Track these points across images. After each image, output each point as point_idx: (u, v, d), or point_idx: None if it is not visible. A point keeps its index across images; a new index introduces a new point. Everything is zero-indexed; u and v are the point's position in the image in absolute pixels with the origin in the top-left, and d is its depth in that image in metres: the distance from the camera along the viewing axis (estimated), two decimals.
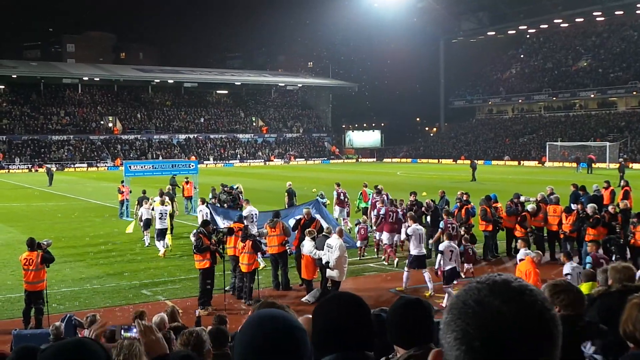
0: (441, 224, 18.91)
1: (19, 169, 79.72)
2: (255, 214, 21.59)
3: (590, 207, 18.92)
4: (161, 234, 22.50)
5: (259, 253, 16.53)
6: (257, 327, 2.16)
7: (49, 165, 62.64)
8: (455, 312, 1.46)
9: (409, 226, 17.89)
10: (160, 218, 22.63)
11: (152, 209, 23.78)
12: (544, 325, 1.41)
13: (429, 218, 21.18)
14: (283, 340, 2.12)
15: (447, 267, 15.62)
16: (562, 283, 4.88)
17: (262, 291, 16.47)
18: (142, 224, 24.19)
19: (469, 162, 60.47)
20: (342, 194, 26.14)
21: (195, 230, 16.39)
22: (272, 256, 17.42)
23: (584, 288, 8.29)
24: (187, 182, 33.55)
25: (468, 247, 18.80)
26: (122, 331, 2.96)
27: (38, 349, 5.22)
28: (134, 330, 2.99)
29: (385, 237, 20.35)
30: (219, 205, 24.81)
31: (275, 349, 2.10)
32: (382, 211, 20.86)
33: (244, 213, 21.29)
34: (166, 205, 23.79)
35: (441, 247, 16.04)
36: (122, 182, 32.16)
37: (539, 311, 1.42)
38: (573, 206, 20.35)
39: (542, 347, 1.40)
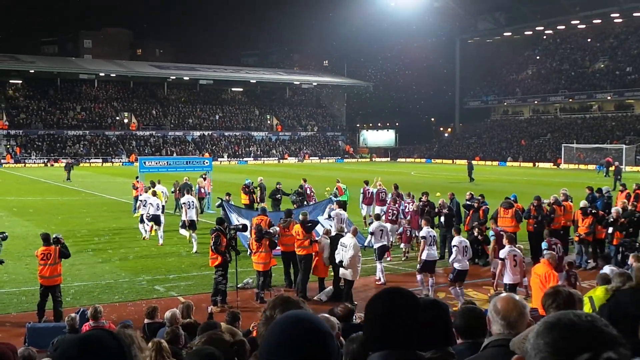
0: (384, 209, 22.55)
1: (35, 163, 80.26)
2: (193, 202, 24.11)
3: (614, 211, 18.83)
4: (143, 219, 24.44)
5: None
6: (284, 329, 2.14)
7: (71, 161, 62.58)
8: (549, 325, 1.83)
9: (333, 209, 21.27)
10: (144, 205, 24.34)
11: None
12: (613, 342, 1.78)
13: (442, 218, 21.14)
14: (310, 343, 2.10)
15: (377, 245, 17.86)
16: (553, 291, 4.86)
17: (275, 289, 16.48)
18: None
19: (467, 163, 59.34)
20: (307, 189, 28.76)
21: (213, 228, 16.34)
22: (284, 254, 17.41)
23: (599, 291, 8.22)
24: (204, 179, 33.53)
25: (407, 228, 21.13)
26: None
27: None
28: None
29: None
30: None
31: (301, 352, 2.08)
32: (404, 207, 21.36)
33: (182, 200, 24.31)
34: (150, 194, 25.19)
35: (371, 228, 18.49)
36: (137, 177, 32.24)
37: (611, 334, 1.80)
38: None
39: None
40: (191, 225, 23.05)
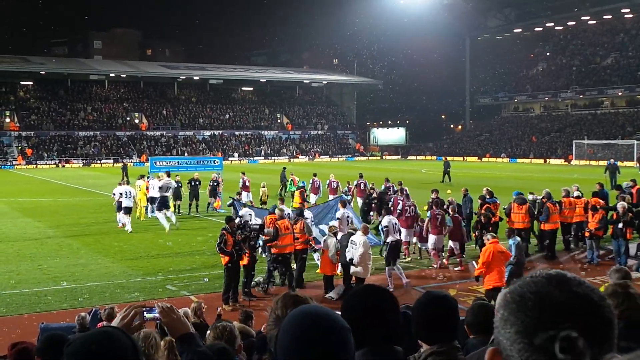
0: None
1: (46, 164, 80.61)
2: (130, 192, 26.51)
3: (620, 206, 18.75)
4: (124, 210, 26.33)
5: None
6: (302, 325, 2.07)
7: (125, 161, 62.78)
8: (513, 307, 1.44)
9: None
10: (126, 197, 26.27)
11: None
12: (603, 313, 1.41)
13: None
14: (328, 338, 2.03)
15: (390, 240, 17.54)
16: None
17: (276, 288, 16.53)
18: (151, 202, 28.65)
19: (443, 161, 58.65)
20: (247, 181, 32.14)
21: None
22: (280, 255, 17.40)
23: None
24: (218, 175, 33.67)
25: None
26: (145, 313, 3.02)
27: (65, 337, 5.29)
28: (156, 311, 3.05)
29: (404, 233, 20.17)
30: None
31: (319, 347, 2.01)
32: (400, 206, 21.01)
33: (120, 190, 26.54)
34: (127, 185, 28.07)
35: (385, 222, 18.09)
36: (148, 177, 32.26)
37: (596, 300, 1.42)
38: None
39: (602, 334, 1.40)
40: (128, 210, 26.25)
